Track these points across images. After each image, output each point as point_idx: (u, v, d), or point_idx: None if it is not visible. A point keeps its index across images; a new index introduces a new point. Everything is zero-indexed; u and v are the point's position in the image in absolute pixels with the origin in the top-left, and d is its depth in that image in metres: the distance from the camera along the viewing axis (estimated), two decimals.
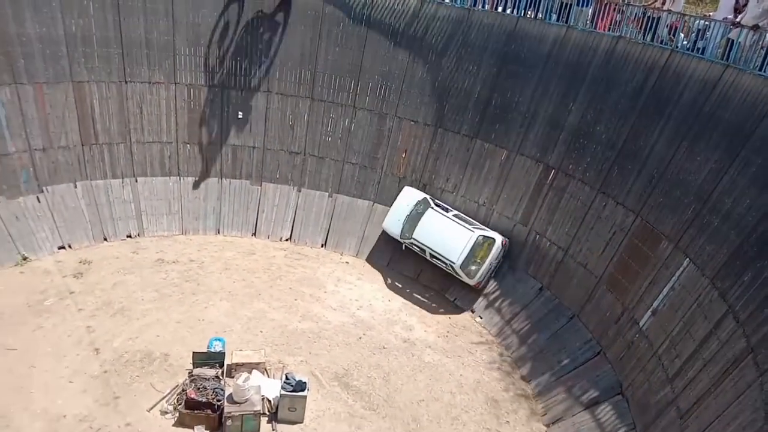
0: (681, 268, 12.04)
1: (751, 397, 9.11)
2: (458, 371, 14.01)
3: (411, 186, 17.72)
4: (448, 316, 15.92)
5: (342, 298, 15.89)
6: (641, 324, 12.52)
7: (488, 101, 16.73)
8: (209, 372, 11.95)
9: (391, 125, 18.00)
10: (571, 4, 15.35)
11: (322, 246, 18.15)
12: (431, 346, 14.69)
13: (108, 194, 16.92)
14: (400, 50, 17.47)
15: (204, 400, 11.39)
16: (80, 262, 15.57)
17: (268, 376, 12.65)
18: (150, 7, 16.50)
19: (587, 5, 15.15)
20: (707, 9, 19.34)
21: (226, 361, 12.46)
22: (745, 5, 12.87)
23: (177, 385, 12.18)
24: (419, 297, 16.47)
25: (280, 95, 18.11)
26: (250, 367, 12.39)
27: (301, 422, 11.89)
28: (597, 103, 14.79)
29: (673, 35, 13.69)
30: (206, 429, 11.34)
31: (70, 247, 16.03)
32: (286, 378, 11.84)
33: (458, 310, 16.15)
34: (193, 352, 12.24)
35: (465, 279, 15.83)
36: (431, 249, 16.10)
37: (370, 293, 16.31)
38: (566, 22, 15.41)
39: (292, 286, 16.08)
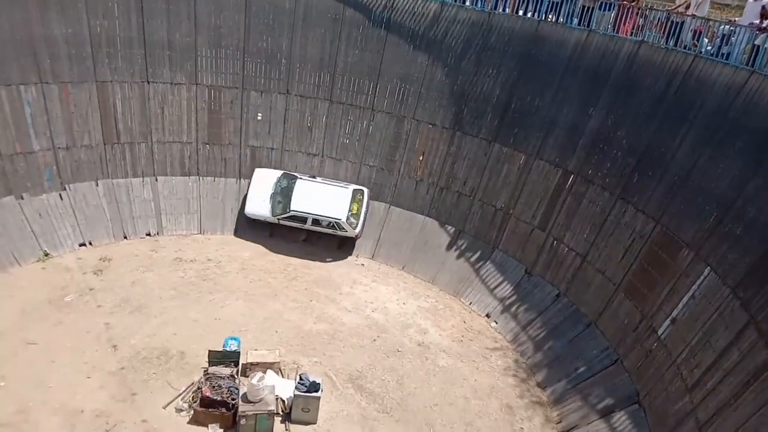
0: (702, 277, 11.84)
1: None
2: (473, 376, 13.92)
3: (261, 168, 18.19)
4: (462, 320, 15.84)
5: (357, 300, 15.90)
6: (660, 332, 12.33)
7: (507, 105, 16.64)
8: (224, 371, 12.04)
9: (408, 128, 17.99)
10: (592, 8, 15.21)
11: (338, 247, 18.18)
12: (446, 350, 14.63)
13: (128, 193, 17.15)
14: (419, 53, 17.46)
15: (219, 398, 11.48)
16: (100, 259, 15.80)
17: (283, 377, 12.71)
18: (173, 9, 16.73)
19: (609, 9, 15.01)
20: (732, 14, 19.01)
21: (242, 361, 12.54)
22: None
23: (192, 383, 12.29)
24: (434, 300, 16.42)
25: (299, 97, 18.22)
26: (264, 366, 12.45)
27: (315, 423, 11.91)
28: (618, 108, 14.62)
29: (697, 40, 13.49)
30: (220, 427, 11.43)
31: (90, 244, 16.28)
32: (300, 378, 11.88)
33: (473, 315, 16.06)
34: (209, 351, 12.34)
35: (349, 232, 17.17)
36: (314, 214, 16.95)
37: (385, 295, 16.30)
38: (587, 26, 15.27)
39: (307, 287, 16.13)
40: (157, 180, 17.60)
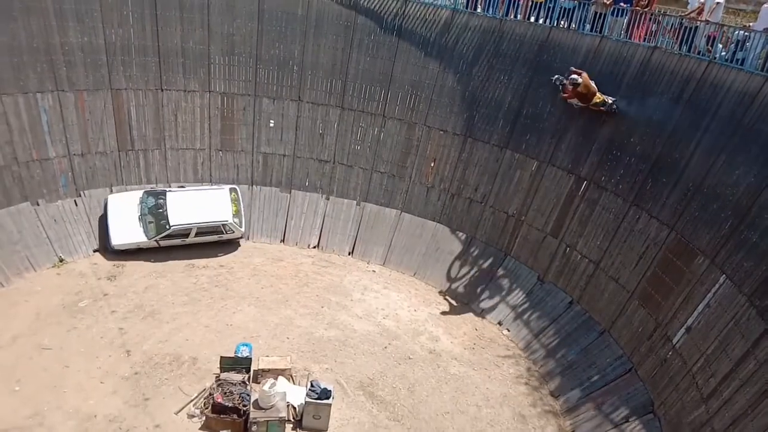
0: (717, 285, 11.69)
1: None
2: (484, 384, 13.83)
3: (116, 194, 16.76)
4: (474, 327, 15.75)
5: (368, 307, 15.88)
6: (675, 341, 12.18)
7: (519, 111, 16.60)
8: (236, 377, 12.07)
9: (420, 134, 18.00)
10: (605, 14, 15.15)
11: (349, 254, 18.20)
12: (457, 357, 14.55)
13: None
14: (430, 60, 17.49)
15: (230, 404, 11.50)
16: (114, 265, 15.94)
17: (294, 383, 12.71)
18: (187, 18, 16.92)
19: (622, 15, 14.94)
20: (747, 19, 18.83)
21: (253, 367, 12.57)
22: None
23: (204, 389, 12.33)
24: (445, 307, 16.35)
25: (310, 104, 18.31)
26: (276, 373, 12.47)
27: (326, 430, 11.89)
28: (631, 114, 14.51)
29: (712, 46, 13.39)
30: None
31: (105, 250, 16.43)
32: (311, 385, 11.87)
33: (485, 322, 15.97)
34: (221, 357, 12.39)
35: (236, 233, 16.91)
36: (198, 223, 16.20)
37: (396, 302, 16.27)
38: (600, 33, 15.21)
39: (318, 293, 16.15)
40: (170, 186, 17.74)
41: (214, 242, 16.96)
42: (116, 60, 16.43)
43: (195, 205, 16.34)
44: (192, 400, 12.13)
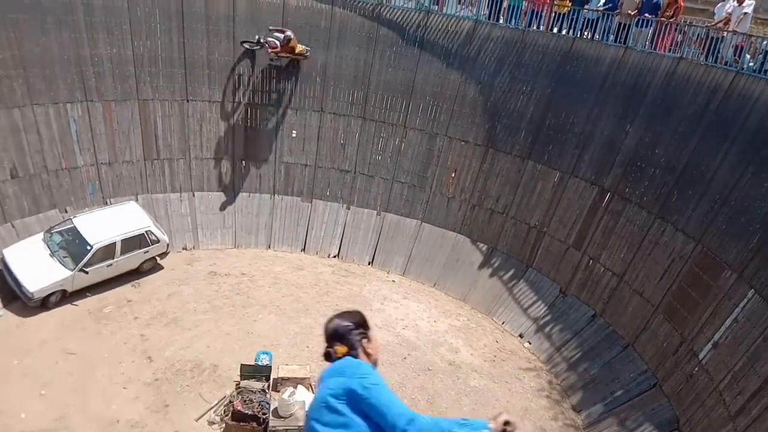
0: (745, 300, 11.42)
1: None
2: (505, 397, 13.67)
3: (7, 247, 14.41)
4: (495, 339, 15.61)
5: (387, 317, 15.85)
6: (701, 357, 11.91)
7: (541, 122, 16.51)
8: (256, 385, 12.11)
9: (441, 145, 18.01)
10: (629, 25, 15.05)
11: (369, 264, 18.21)
12: (477, 370, 14.42)
13: (167, 207, 17.59)
14: (452, 71, 17.53)
15: (250, 412, 11.54)
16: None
17: (313, 392, 12.69)
18: (212, 30, 17.24)
19: (647, 26, 14.81)
20: None
21: (273, 375, 12.60)
22: None
23: (224, 397, 12.40)
24: (466, 319, 16.24)
25: (332, 114, 18.46)
26: (295, 382, 12.48)
27: None
28: (656, 125, 14.35)
29: (739, 56, 13.19)
30: None
31: None
32: None
33: (506, 334, 15.81)
34: (241, 365, 12.45)
35: (161, 244, 15.56)
36: (120, 235, 14.65)
37: (415, 313, 16.21)
38: (624, 43, 15.10)
39: (338, 302, 16.16)
40: (194, 195, 18.01)
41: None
42: (143, 71, 16.79)
43: (109, 222, 14.89)
44: (212, 407, 12.21)
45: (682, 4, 15.09)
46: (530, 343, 15.44)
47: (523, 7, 16.80)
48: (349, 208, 18.74)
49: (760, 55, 12.80)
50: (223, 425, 11.76)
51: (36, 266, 13.78)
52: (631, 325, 13.91)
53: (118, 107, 16.61)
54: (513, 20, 16.90)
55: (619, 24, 15.29)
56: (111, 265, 14.74)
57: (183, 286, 15.90)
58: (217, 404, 12.27)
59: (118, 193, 16.92)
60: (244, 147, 18.34)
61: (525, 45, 16.60)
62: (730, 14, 13.94)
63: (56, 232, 14.70)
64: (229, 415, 11.69)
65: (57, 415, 11.45)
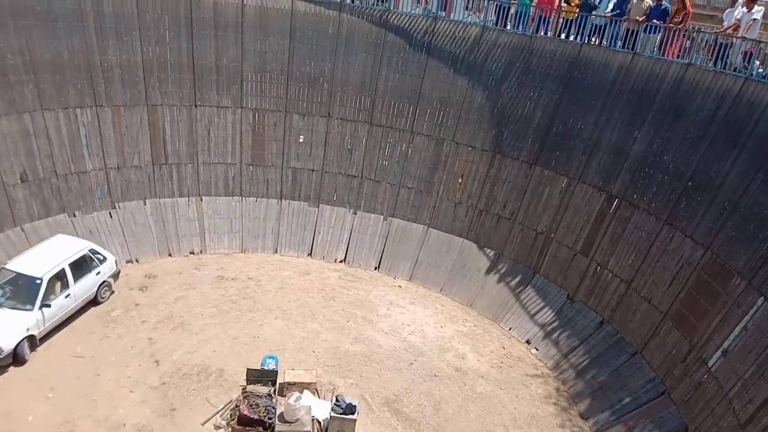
0: (755, 307, 11.31)
1: None
2: (512, 404, 13.59)
3: None
4: (502, 346, 15.54)
5: (394, 322, 15.82)
6: (710, 364, 11.80)
7: (549, 128, 16.49)
8: (262, 389, 12.10)
9: (448, 150, 18.02)
10: (637, 31, 15.03)
11: (375, 269, 18.21)
12: (484, 376, 14.36)
13: (174, 212, 17.69)
14: (459, 76, 17.56)
15: (256, 417, 11.52)
16: (146, 276, 16.26)
17: (319, 397, 12.68)
18: (221, 36, 17.37)
19: (655, 32, 14.79)
20: None
21: (279, 380, 12.59)
22: None
23: (231, 401, 12.40)
24: (473, 325, 16.18)
25: (340, 120, 18.52)
26: (301, 386, 12.46)
27: None
28: (664, 131, 14.30)
29: (748, 62, 13.13)
30: None
31: (137, 261, 16.79)
32: (337, 400, 11.83)
33: (513, 341, 15.74)
34: (248, 369, 12.43)
35: (109, 262, 14.75)
36: (66, 260, 13.64)
37: (422, 318, 16.17)
38: (632, 49, 15.07)
39: (345, 307, 16.17)
40: (201, 200, 18.10)
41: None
42: (152, 77, 16.93)
43: (46, 255, 13.64)
44: (218, 412, 12.21)
45: (691, 10, 15.05)
46: (537, 350, 15.36)
47: (530, 13, 16.83)
48: (355, 213, 18.76)
49: None
50: (230, 429, 11.75)
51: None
52: (639, 332, 13.81)
53: (127, 112, 16.75)
54: (520, 26, 16.94)
55: (627, 30, 15.28)
56: (69, 295, 13.56)
57: (190, 290, 15.95)
58: (223, 408, 12.27)
59: (127, 197, 17.03)
60: (252, 152, 18.44)
61: (532, 51, 16.61)
62: (739, 20, 13.88)
63: (22, 279, 13.04)
64: (236, 419, 11.67)
65: (64, 418, 11.49)
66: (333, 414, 11.63)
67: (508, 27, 17.21)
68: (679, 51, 14.44)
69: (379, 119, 18.40)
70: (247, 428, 11.48)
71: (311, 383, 12.71)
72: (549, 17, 16.66)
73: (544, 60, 16.48)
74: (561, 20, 16.56)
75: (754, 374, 10.73)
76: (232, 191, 18.47)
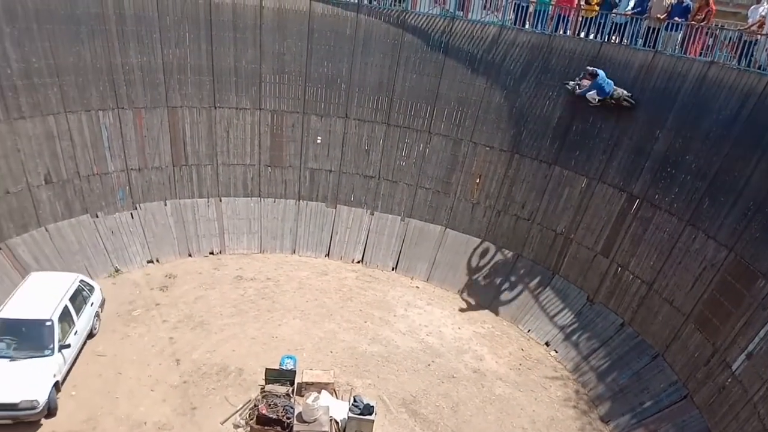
0: None
1: None
2: (531, 406, 13.48)
3: None
4: (520, 347, 15.42)
5: (411, 323, 15.80)
6: (734, 368, 11.57)
7: (568, 127, 16.33)
8: (280, 389, 12.17)
9: (465, 150, 17.94)
10: (659, 29, 14.81)
11: (392, 269, 18.21)
12: (502, 378, 14.26)
13: (194, 212, 17.88)
14: (477, 76, 17.47)
15: (274, 416, 11.58)
16: (166, 276, 16.46)
17: (337, 398, 12.71)
18: (240, 38, 17.52)
19: (677, 30, 14.56)
20: None
21: (297, 380, 12.65)
22: None
23: (249, 400, 12.49)
24: (491, 326, 16.09)
25: (357, 121, 18.56)
26: (319, 387, 12.51)
27: None
28: (686, 130, 14.07)
29: None
30: None
31: (158, 261, 17.01)
32: (354, 400, 11.85)
33: (532, 342, 15.62)
34: (266, 369, 12.52)
35: (97, 291, 13.84)
36: (66, 295, 12.64)
37: (440, 319, 16.12)
38: (653, 47, 14.85)
39: (362, 308, 16.19)
40: (221, 200, 18.27)
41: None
42: (173, 79, 17.13)
43: (38, 295, 12.51)
44: (237, 411, 12.30)
45: (714, 7, 14.80)
46: (557, 352, 15.21)
47: (549, 12, 16.69)
48: (373, 214, 18.78)
49: None
50: (248, 429, 11.83)
51: (8, 380, 10.96)
52: (661, 334, 13.60)
53: (147, 114, 16.98)
54: (539, 25, 16.80)
55: (648, 28, 15.06)
56: (76, 332, 12.62)
57: (209, 290, 16.11)
58: (242, 408, 12.37)
59: (148, 198, 17.26)
60: (270, 153, 18.56)
61: (551, 50, 16.47)
62: (764, 17, 13.62)
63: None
64: (254, 418, 11.75)
65: (87, 415, 11.67)
66: (351, 414, 11.65)
67: (527, 26, 17.09)
68: (702, 49, 14.20)
69: (397, 120, 18.40)
70: (266, 428, 11.55)
71: (329, 383, 12.75)
72: (568, 16, 16.50)
73: (563, 59, 16.32)
74: (580, 18, 16.39)
75: None
76: (251, 192, 18.61)
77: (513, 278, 16.92)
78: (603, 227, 15.55)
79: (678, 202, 13.97)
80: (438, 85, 17.86)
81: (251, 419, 11.88)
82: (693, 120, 13.93)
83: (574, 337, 15.11)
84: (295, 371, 12.67)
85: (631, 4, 15.73)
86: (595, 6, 16.14)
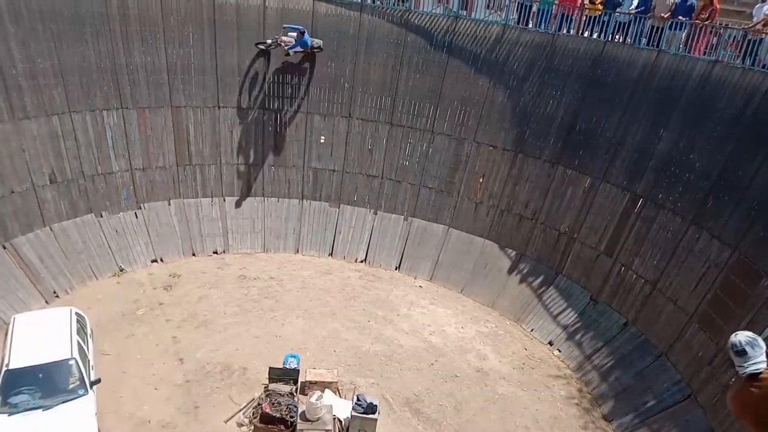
0: None
1: None
2: (534, 405, 13.48)
3: None
4: (524, 346, 15.42)
5: (414, 323, 15.81)
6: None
7: (571, 127, 16.31)
8: (284, 388, 12.21)
9: (468, 150, 17.94)
10: (662, 28, 14.78)
11: (396, 269, 18.22)
12: (505, 377, 14.26)
13: (198, 212, 17.94)
14: (480, 76, 17.47)
15: (278, 415, 11.62)
16: (170, 275, 16.51)
17: (340, 396, 12.74)
18: (243, 38, 17.56)
19: (681, 29, 14.53)
20: None
21: (300, 379, 12.69)
22: None
23: (253, 399, 12.52)
24: (494, 325, 16.09)
25: (360, 120, 18.58)
26: (322, 385, 12.54)
27: None
28: (690, 130, 14.04)
29: None
30: None
31: (161, 260, 17.07)
32: (358, 399, 11.86)
33: (535, 342, 15.61)
34: (270, 368, 12.56)
35: (85, 319, 12.63)
36: (73, 331, 11.70)
37: (443, 319, 16.13)
38: (657, 47, 14.82)
39: (365, 307, 16.21)
40: (224, 200, 18.31)
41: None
42: (176, 79, 17.18)
43: (42, 334, 11.53)
44: (241, 410, 12.34)
45: (718, 6, 14.76)
46: (560, 351, 15.21)
47: (552, 11, 16.67)
48: (376, 213, 18.80)
49: None
50: (252, 427, 11.87)
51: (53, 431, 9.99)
52: (665, 333, 13.58)
53: (152, 114, 17.03)
54: (543, 24, 16.78)
55: (652, 27, 15.03)
56: (93, 367, 11.82)
57: (213, 289, 16.16)
58: (246, 406, 12.40)
59: (151, 198, 17.32)
60: (274, 153, 18.60)
61: (555, 49, 16.45)
62: None
63: (13, 393, 10.39)
64: (258, 417, 11.79)
65: None
66: (354, 413, 11.67)
67: (530, 25, 17.07)
68: (706, 48, 14.17)
69: (400, 119, 18.41)
70: (270, 426, 11.59)
71: (332, 382, 12.78)
72: (572, 15, 16.48)
73: (566, 58, 16.31)
74: (584, 18, 16.37)
75: None
76: (255, 191, 18.66)
77: (516, 278, 16.92)
78: (606, 227, 15.53)
79: (682, 201, 13.95)
80: (441, 85, 17.87)
81: (255, 418, 11.92)
82: (697, 119, 13.90)
83: (578, 337, 15.10)
84: (298, 370, 12.71)
85: (635, 3, 15.71)
86: (599, 5, 16.11)
